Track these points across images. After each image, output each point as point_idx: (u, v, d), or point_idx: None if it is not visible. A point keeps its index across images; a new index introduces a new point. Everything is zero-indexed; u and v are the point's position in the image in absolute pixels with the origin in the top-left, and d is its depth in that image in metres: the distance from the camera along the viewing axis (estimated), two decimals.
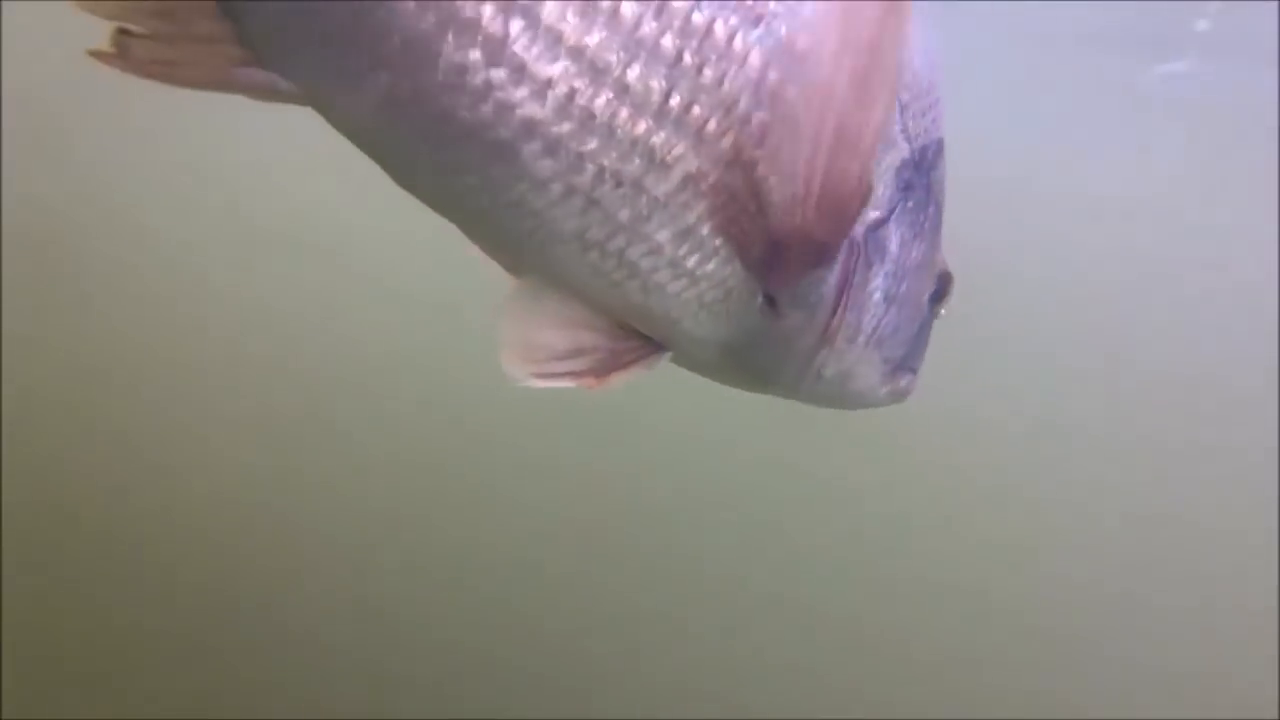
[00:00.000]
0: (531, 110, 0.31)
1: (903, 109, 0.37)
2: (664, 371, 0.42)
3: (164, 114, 1.22)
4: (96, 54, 0.31)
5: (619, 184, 0.33)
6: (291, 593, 1.31)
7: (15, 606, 1.25)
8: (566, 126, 0.31)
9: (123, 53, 0.30)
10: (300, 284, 1.26)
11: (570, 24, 0.30)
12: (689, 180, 0.33)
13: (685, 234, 0.34)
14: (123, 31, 0.30)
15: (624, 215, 0.33)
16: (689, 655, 1.37)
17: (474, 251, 0.40)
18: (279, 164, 1.22)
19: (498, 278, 0.41)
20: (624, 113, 0.31)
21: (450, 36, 0.29)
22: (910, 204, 0.38)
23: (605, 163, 0.32)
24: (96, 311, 1.26)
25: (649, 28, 0.31)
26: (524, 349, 0.37)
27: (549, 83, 0.31)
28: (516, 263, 0.38)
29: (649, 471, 1.31)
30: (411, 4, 0.28)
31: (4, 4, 1.18)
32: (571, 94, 0.31)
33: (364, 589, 1.32)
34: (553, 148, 0.32)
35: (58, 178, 1.23)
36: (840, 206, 0.33)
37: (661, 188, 0.33)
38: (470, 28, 0.29)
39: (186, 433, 1.28)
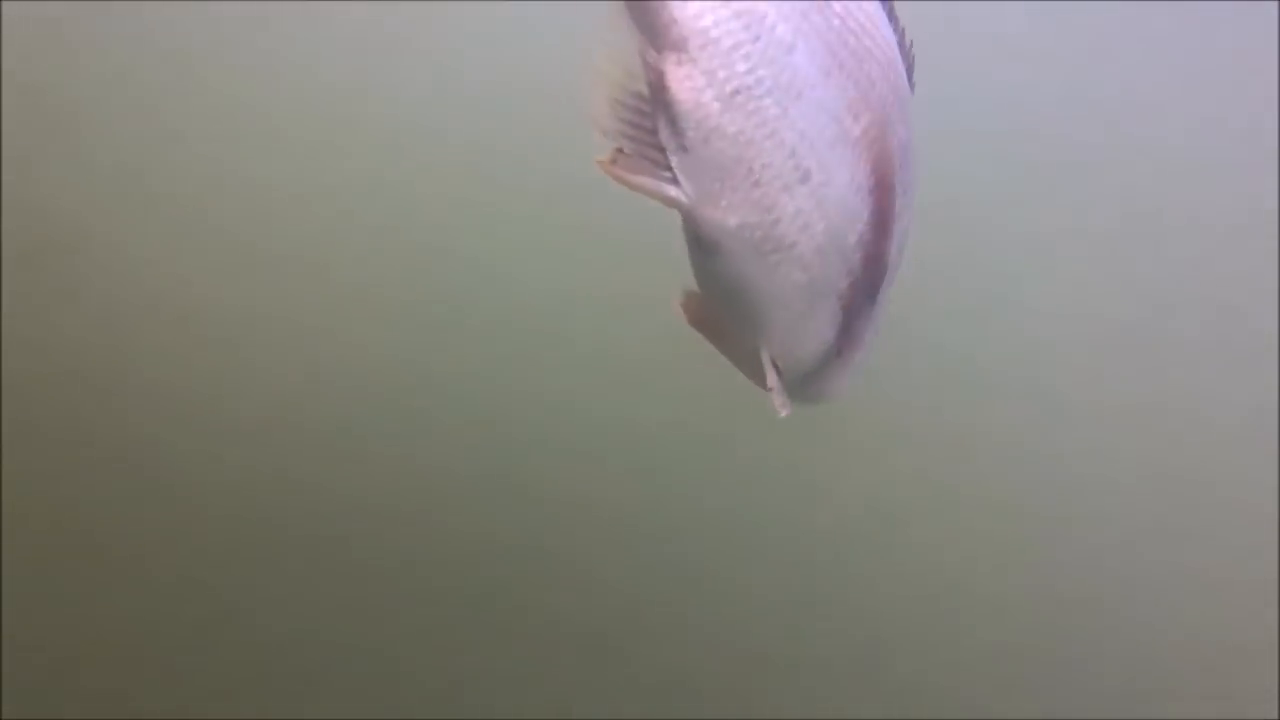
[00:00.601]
0: (806, 242, 0.50)
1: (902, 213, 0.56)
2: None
3: (164, 116, 1.23)
4: (602, 163, 0.48)
5: (813, 283, 0.52)
6: (292, 596, 1.31)
7: (15, 606, 1.25)
8: (817, 244, 0.50)
9: (614, 162, 0.48)
10: (298, 290, 1.27)
11: (813, 210, 0.50)
12: (847, 277, 0.53)
13: (830, 317, 0.54)
14: (619, 150, 0.48)
15: (814, 295, 0.53)
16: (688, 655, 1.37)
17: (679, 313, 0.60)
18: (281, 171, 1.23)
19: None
20: (828, 245, 0.51)
21: (783, 203, 0.49)
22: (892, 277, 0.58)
23: (818, 271, 0.52)
24: (95, 310, 1.27)
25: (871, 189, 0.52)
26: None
27: (806, 225, 0.50)
28: (740, 323, 0.56)
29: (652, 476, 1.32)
30: (774, 186, 0.49)
31: (4, 4, 1.18)
32: (822, 229, 0.50)
33: (367, 592, 1.32)
34: (811, 255, 0.51)
35: (58, 178, 1.23)
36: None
37: (837, 287, 0.53)
38: (794, 202, 0.49)
39: (187, 436, 1.28)
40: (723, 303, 0.56)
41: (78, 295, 1.26)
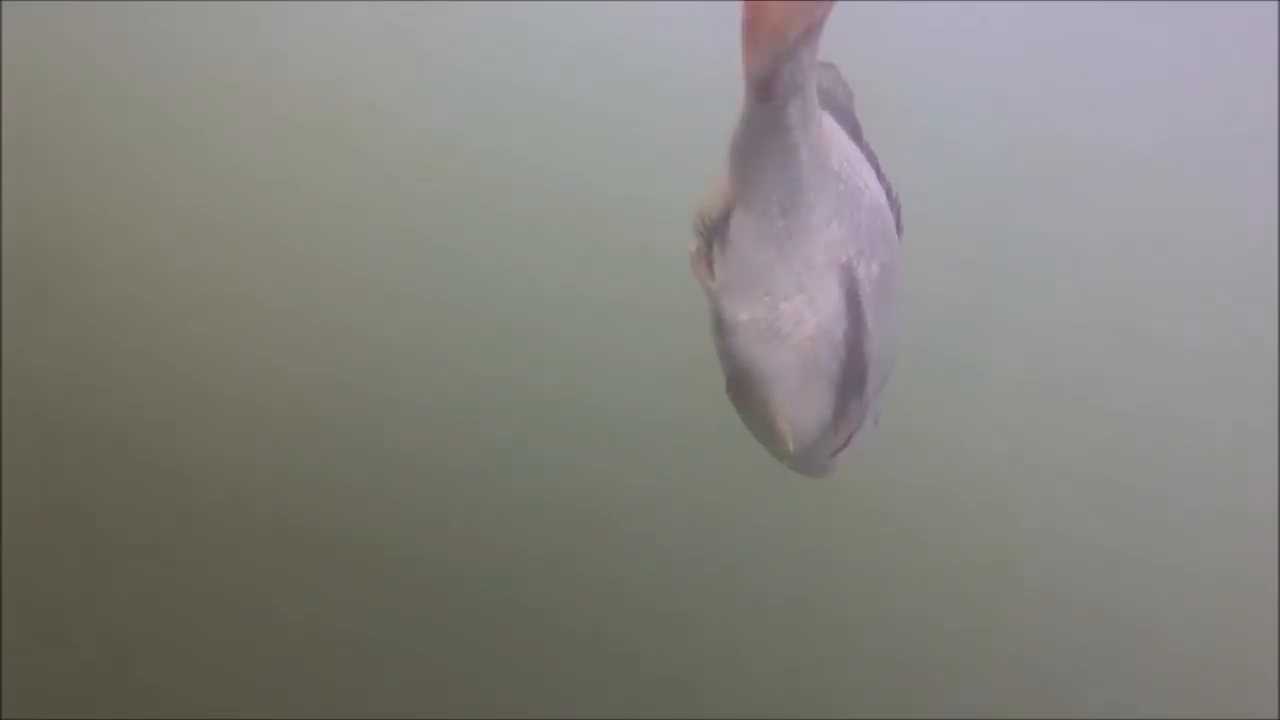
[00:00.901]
0: (798, 333, 0.64)
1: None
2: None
3: (166, 115, 1.23)
4: (689, 253, 0.64)
5: (804, 364, 0.65)
6: (294, 594, 1.32)
7: (15, 606, 1.25)
8: (809, 335, 0.64)
9: (695, 252, 0.64)
10: (303, 287, 1.27)
11: (805, 310, 0.64)
12: (835, 362, 0.66)
13: (825, 397, 0.67)
14: (699, 247, 0.63)
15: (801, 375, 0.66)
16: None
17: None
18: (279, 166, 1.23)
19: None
20: (818, 336, 0.64)
21: (783, 308, 0.63)
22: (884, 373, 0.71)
23: (809, 355, 0.65)
24: (96, 311, 1.27)
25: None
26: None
27: (800, 322, 0.64)
28: (754, 394, 0.67)
29: (642, 474, 1.32)
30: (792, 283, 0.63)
31: (4, 4, 1.18)
32: (813, 325, 0.64)
33: (364, 591, 1.33)
34: (803, 343, 0.64)
35: (61, 176, 1.23)
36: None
37: (828, 370, 0.66)
38: (792, 306, 0.64)
39: (187, 437, 1.28)
40: (738, 376, 0.69)
41: (80, 291, 1.26)
